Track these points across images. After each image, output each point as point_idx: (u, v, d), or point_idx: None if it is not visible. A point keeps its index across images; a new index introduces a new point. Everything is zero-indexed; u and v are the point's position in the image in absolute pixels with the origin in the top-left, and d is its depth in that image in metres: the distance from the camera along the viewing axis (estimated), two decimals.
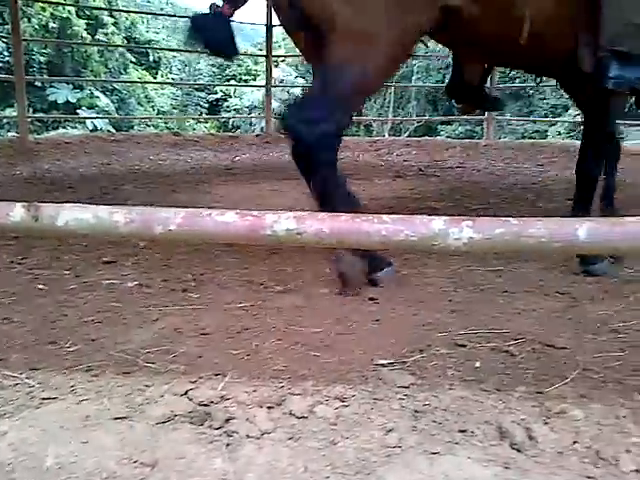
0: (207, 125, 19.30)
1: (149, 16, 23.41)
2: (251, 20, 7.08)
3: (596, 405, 1.24)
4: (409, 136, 14.16)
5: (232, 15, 2.32)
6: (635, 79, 1.92)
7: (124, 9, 19.63)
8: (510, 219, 1.07)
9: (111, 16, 18.38)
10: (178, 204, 3.84)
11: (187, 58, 22.32)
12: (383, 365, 1.46)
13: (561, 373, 1.41)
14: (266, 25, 7.29)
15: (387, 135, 15.81)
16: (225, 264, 2.58)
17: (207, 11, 2.37)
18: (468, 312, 1.95)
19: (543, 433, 1.11)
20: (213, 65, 22.59)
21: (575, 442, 1.10)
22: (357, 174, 5.18)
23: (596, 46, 1.94)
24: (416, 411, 1.22)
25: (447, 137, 12.41)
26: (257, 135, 7.62)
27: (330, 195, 2.01)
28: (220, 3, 2.35)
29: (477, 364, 1.46)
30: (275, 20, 7.22)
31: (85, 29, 16.92)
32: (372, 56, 1.95)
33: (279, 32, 8.31)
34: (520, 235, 1.04)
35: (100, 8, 16.76)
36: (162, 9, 26.12)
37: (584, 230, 1.03)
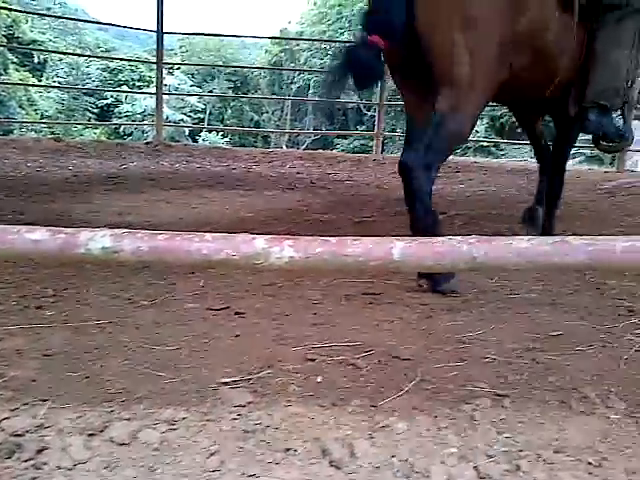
0: (97, 131, 18.61)
1: (34, 15, 22.27)
2: (143, 26, 6.90)
3: (422, 417, 1.28)
4: (306, 148, 14.37)
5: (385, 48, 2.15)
6: (608, 126, 2.57)
7: (4, 6, 18.52)
8: (330, 239, 1.08)
9: None
10: (50, 215, 3.64)
11: (75, 61, 21.43)
12: (226, 383, 1.44)
13: (399, 385, 1.45)
14: (157, 32, 7.11)
15: (285, 147, 15.96)
16: (93, 277, 2.46)
17: (357, 43, 2.21)
18: (329, 325, 1.97)
19: (364, 448, 1.13)
20: (104, 70, 21.88)
21: (393, 456, 1.12)
22: (247, 185, 5.16)
23: (582, 99, 2.56)
24: (246, 431, 1.20)
25: (342, 150, 12.71)
26: (147, 143, 7.40)
27: (426, 219, 2.30)
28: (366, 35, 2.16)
29: (319, 379, 1.47)
30: (166, 27, 7.10)
31: None
32: (476, 106, 2.29)
33: (174, 39, 8.18)
34: (338, 254, 1.06)
35: None
36: (49, 9, 24.97)
37: (398, 250, 1.06)
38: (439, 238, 1.07)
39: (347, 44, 2.39)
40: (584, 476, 1.13)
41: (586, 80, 2.52)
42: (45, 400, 1.33)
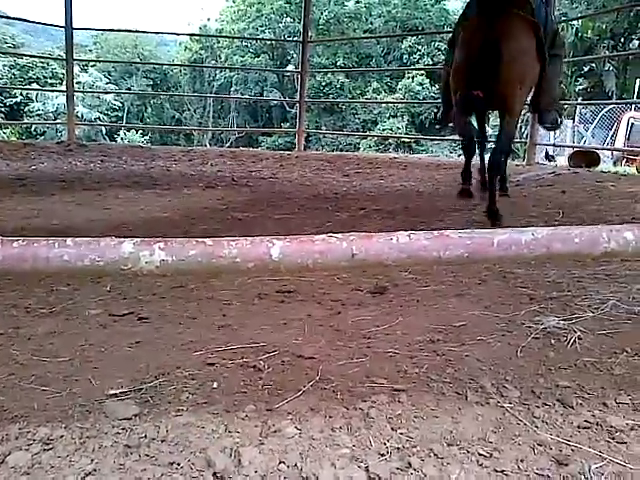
0: (6, 131, 17.72)
1: None
2: (52, 21, 6.57)
3: (316, 418, 1.25)
4: (230, 146, 14.23)
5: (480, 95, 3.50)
6: (554, 117, 4.20)
7: None
8: (206, 240, 1.03)
9: None
10: None
11: None
12: (115, 395, 1.36)
13: (298, 386, 1.42)
14: (65, 27, 6.79)
15: (208, 145, 15.73)
16: None
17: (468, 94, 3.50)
18: (237, 326, 1.92)
19: (252, 456, 1.09)
20: (12, 67, 20.85)
21: (281, 462, 1.09)
22: (166, 184, 5.01)
23: (539, 104, 4.07)
24: (128, 446, 1.13)
25: (267, 147, 12.66)
26: (58, 142, 7.06)
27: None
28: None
29: (215, 385, 1.41)
30: (79, 23, 6.81)
31: None
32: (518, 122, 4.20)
33: (89, 35, 7.91)
34: (213, 256, 1.01)
35: None
36: None
37: (276, 249, 1.02)
38: (318, 236, 1.04)
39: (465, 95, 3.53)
40: (474, 468, 1.13)
41: (541, 93, 3.96)
42: None
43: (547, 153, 11.08)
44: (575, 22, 16.19)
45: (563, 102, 15.05)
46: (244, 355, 1.64)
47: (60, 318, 2.01)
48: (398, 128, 22.56)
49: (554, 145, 12.00)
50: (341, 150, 13.83)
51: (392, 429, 1.24)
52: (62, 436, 1.16)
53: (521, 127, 14.95)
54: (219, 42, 26.87)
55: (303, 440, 1.16)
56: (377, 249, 1.03)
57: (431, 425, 1.26)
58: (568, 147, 10.78)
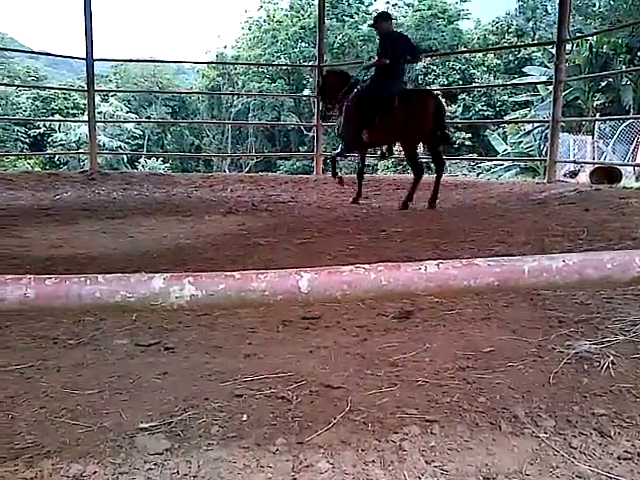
0: (30, 162, 18.11)
1: None
2: (75, 54, 6.77)
3: (348, 452, 1.23)
4: (249, 171, 14.38)
5: None
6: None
7: None
8: (234, 273, 1.03)
9: None
10: None
11: (4, 91, 20.91)
12: (144, 429, 1.36)
13: (328, 417, 1.40)
14: (86, 59, 6.97)
15: (227, 170, 15.90)
16: (17, 316, 2.32)
17: None
18: (262, 355, 1.91)
19: None
20: (35, 99, 21.39)
21: None
22: (188, 210, 5.06)
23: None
24: None
25: (285, 171, 12.76)
26: (82, 172, 7.20)
27: None
28: None
29: (244, 417, 1.40)
30: (99, 54, 7.02)
31: None
32: None
33: (108, 66, 8.14)
34: (242, 290, 1.01)
35: None
36: None
37: (305, 281, 1.02)
38: (346, 267, 1.03)
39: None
40: None
41: None
42: None
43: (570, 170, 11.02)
44: (590, 38, 16.15)
45: (581, 118, 15.07)
46: (272, 385, 1.62)
47: (87, 349, 2.02)
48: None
49: (574, 162, 11.92)
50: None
51: (426, 462, 1.21)
52: (95, 472, 1.16)
53: (540, 145, 14.89)
54: (236, 69, 27.33)
55: (336, 475, 1.14)
56: (406, 279, 1.02)
57: (466, 457, 1.24)
58: (589, 164, 10.69)
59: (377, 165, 20.97)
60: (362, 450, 1.24)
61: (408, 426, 1.34)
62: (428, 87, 24.09)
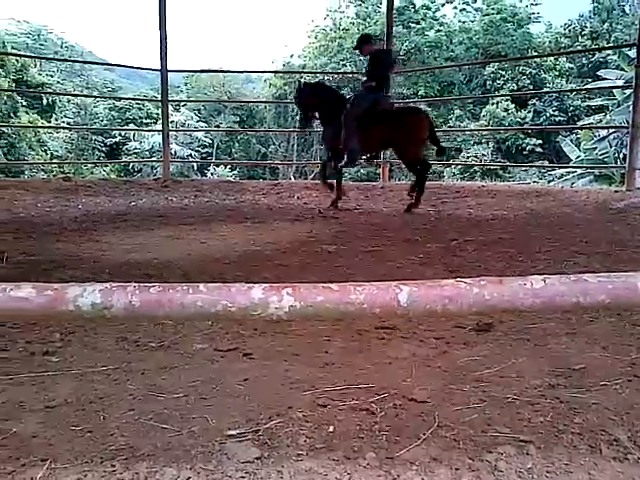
0: (106, 169, 18.90)
1: (43, 59, 23.13)
2: (149, 65, 7.04)
3: (442, 469, 1.20)
4: (314, 178, 14.44)
5: None
6: None
7: (14, 52, 19.05)
8: (332, 285, 1.02)
9: None
10: (59, 255, 3.62)
11: (83, 102, 21.95)
12: (233, 436, 1.37)
13: (416, 432, 1.37)
14: (160, 70, 7.22)
15: (292, 177, 16.06)
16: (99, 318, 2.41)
17: None
18: (340, 365, 1.90)
19: None
20: (111, 109, 22.34)
21: None
22: (256, 218, 5.13)
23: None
24: None
25: (349, 178, 12.74)
26: (155, 179, 7.44)
27: None
28: None
29: (331, 428, 1.39)
30: (171, 65, 7.26)
31: None
32: None
33: (180, 77, 8.42)
34: (340, 302, 1.00)
35: None
36: (57, 52, 25.78)
37: (404, 295, 1.00)
38: (446, 281, 1.00)
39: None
40: None
41: None
42: (45, 460, 1.27)
43: None
44: None
45: None
46: (354, 397, 1.61)
47: (169, 352, 2.07)
48: (483, 155, 22.19)
49: None
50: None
51: None
52: (189, 478, 1.18)
53: (615, 151, 14.23)
54: (302, 77, 27.68)
55: None
56: (510, 294, 0.99)
57: None
58: None
59: (443, 172, 20.68)
60: (456, 469, 1.20)
61: (502, 445, 1.29)
62: (496, 92, 23.59)
